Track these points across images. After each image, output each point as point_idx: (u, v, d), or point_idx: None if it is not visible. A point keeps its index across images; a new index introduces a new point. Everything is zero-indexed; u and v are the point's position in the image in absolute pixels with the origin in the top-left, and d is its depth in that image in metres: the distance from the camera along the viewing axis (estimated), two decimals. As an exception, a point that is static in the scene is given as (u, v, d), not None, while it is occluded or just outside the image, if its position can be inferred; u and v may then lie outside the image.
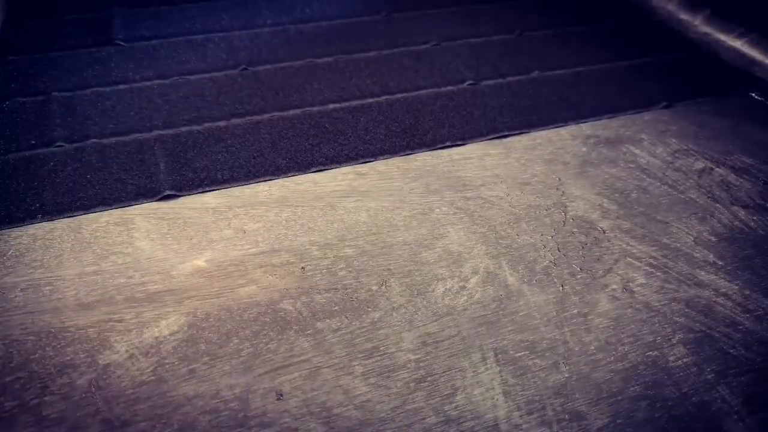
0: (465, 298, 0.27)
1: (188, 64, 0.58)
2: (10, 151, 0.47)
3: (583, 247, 0.30)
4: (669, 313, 0.28)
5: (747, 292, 0.28)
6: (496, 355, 0.25)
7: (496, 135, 0.44)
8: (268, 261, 0.34)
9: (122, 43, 0.64)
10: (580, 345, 0.26)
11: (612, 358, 0.26)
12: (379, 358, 0.25)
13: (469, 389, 0.24)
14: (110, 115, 0.52)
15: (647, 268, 0.29)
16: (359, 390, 0.24)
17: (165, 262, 0.34)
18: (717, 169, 0.36)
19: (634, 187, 0.34)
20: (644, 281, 0.29)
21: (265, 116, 0.40)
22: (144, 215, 0.37)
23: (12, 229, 0.37)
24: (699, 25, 0.69)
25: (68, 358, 0.24)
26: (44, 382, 0.23)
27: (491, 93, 0.44)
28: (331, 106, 0.43)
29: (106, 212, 0.38)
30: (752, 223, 0.32)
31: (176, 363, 0.24)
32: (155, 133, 0.41)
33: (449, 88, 0.42)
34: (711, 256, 0.30)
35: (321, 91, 0.43)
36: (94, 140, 0.47)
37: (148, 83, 0.57)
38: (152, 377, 0.23)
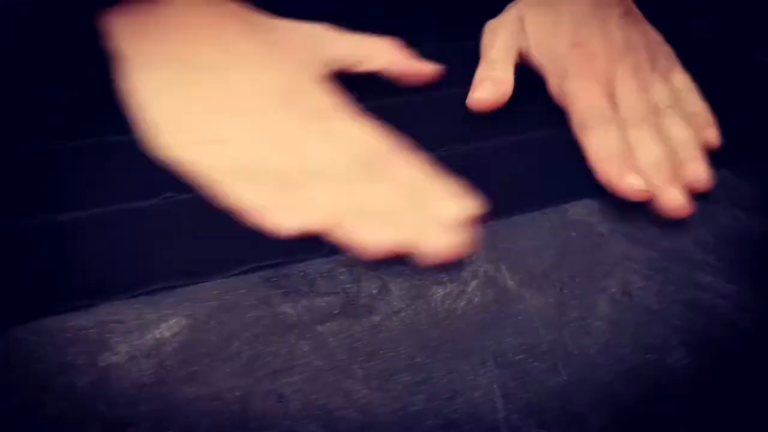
0: (464, 301, 0.27)
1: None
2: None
3: (582, 250, 0.30)
4: (668, 315, 0.27)
5: (747, 294, 0.28)
6: (495, 358, 0.25)
7: (494, 139, 0.44)
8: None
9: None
10: (579, 348, 0.26)
11: (611, 360, 0.26)
12: (379, 361, 0.25)
13: (469, 392, 0.24)
14: (108, 116, 0.51)
15: (646, 270, 0.29)
16: (360, 393, 0.24)
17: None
18: (716, 170, 0.36)
19: (634, 189, 0.34)
20: (643, 284, 0.29)
21: (266, 117, 0.40)
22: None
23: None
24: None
25: (68, 358, 0.24)
26: (44, 382, 0.23)
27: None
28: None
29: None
30: (752, 225, 0.32)
31: (177, 365, 0.24)
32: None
33: (447, 91, 0.42)
34: (710, 258, 0.30)
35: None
36: (92, 139, 0.47)
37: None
38: (153, 379, 0.23)
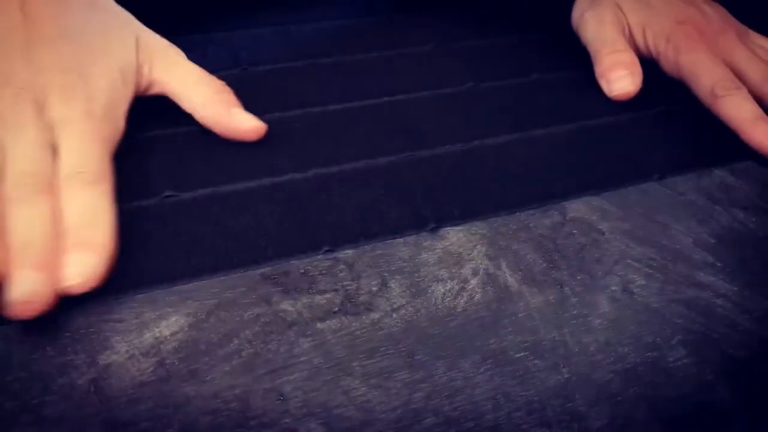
0: (465, 299, 0.27)
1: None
2: None
3: (582, 249, 0.30)
4: (668, 314, 0.27)
5: (746, 293, 0.28)
6: (496, 356, 0.25)
7: (495, 137, 0.44)
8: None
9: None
10: (579, 346, 0.26)
11: (612, 359, 0.26)
12: (379, 358, 0.25)
13: (470, 390, 0.24)
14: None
15: (647, 269, 0.29)
16: (359, 390, 0.24)
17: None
18: (716, 170, 0.36)
19: (634, 188, 0.34)
20: (644, 282, 0.29)
21: (266, 116, 0.40)
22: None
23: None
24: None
25: (68, 357, 0.24)
26: (44, 382, 0.23)
27: (492, 95, 0.44)
28: (332, 107, 0.43)
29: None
30: (751, 225, 0.32)
31: (176, 363, 0.24)
32: (153, 133, 0.40)
33: (449, 90, 0.42)
34: (710, 257, 0.30)
35: (321, 92, 0.43)
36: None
37: (147, 83, 0.56)
38: (152, 377, 0.23)
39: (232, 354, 0.24)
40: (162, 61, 0.31)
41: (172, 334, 0.25)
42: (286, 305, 0.26)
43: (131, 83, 0.31)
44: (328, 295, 0.27)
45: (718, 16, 0.41)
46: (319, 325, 0.26)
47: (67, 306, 0.25)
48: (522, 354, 0.25)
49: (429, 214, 0.31)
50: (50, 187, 0.24)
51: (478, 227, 0.31)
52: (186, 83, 0.32)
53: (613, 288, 0.28)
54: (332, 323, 0.26)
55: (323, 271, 0.28)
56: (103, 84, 0.28)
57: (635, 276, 0.29)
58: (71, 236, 0.23)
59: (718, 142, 0.38)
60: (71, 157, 0.25)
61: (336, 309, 0.26)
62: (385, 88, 0.42)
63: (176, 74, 0.32)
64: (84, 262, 0.23)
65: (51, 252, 0.22)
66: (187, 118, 0.34)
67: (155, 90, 0.34)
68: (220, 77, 0.38)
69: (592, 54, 0.43)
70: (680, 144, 0.38)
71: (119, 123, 0.30)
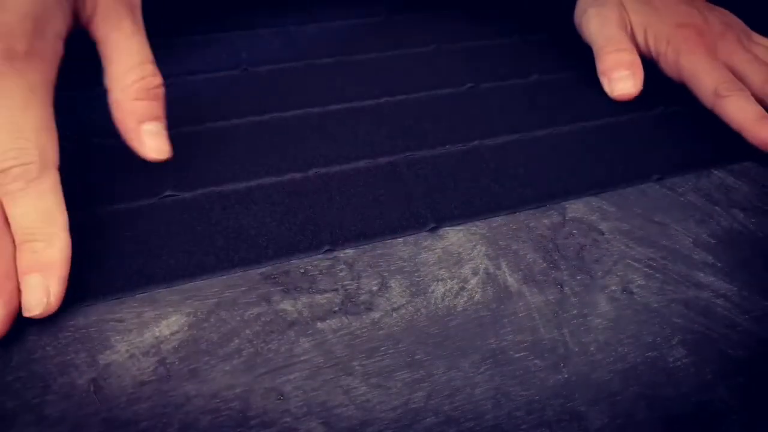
0: (465, 299, 0.27)
1: (188, 65, 0.58)
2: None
3: (582, 249, 0.30)
4: (668, 314, 0.28)
5: (745, 293, 0.29)
6: (495, 355, 0.25)
7: (494, 137, 0.44)
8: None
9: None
10: (579, 346, 0.26)
11: (611, 358, 0.26)
12: (379, 358, 0.25)
13: (470, 390, 0.24)
14: (110, 116, 0.51)
15: (646, 269, 0.29)
16: (360, 390, 0.24)
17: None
18: (715, 171, 0.36)
19: (633, 189, 0.34)
20: (643, 282, 0.29)
21: (266, 116, 0.40)
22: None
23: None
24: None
25: (69, 357, 0.24)
26: (45, 382, 0.23)
27: (492, 96, 0.44)
28: (332, 107, 0.43)
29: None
30: (751, 226, 0.32)
31: (177, 362, 0.24)
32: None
33: (449, 90, 0.43)
34: (710, 257, 0.30)
35: (321, 92, 0.43)
36: (94, 139, 0.47)
37: (147, 84, 0.56)
38: (153, 377, 0.23)
39: (233, 353, 0.24)
40: (106, 14, 0.25)
41: (172, 334, 0.25)
42: (287, 305, 0.26)
43: (68, 6, 0.24)
44: (328, 295, 0.27)
45: (718, 20, 0.42)
46: (319, 324, 0.26)
47: (67, 305, 0.25)
48: (522, 354, 0.25)
49: (429, 214, 0.31)
50: None
51: (478, 227, 0.31)
52: (115, 60, 0.26)
53: (613, 288, 0.28)
54: (332, 323, 0.26)
55: (323, 271, 0.28)
56: (21, 2, 0.21)
57: (635, 276, 0.29)
58: (24, 255, 0.21)
59: (718, 143, 0.38)
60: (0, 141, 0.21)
61: (336, 308, 0.26)
62: (385, 89, 0.42)
63: (112, 40, 0.26)
64: (42, 289, 0.21)
65: (4, 272, 0.21)
66: (187, 118, 0.34)
67: (91, 36, 0.27)
68: (221, 78, 0.38)
69: (595, 51, 0.43)
70: (680, 145, 0.38)
71: (54, 50, 0.23)
